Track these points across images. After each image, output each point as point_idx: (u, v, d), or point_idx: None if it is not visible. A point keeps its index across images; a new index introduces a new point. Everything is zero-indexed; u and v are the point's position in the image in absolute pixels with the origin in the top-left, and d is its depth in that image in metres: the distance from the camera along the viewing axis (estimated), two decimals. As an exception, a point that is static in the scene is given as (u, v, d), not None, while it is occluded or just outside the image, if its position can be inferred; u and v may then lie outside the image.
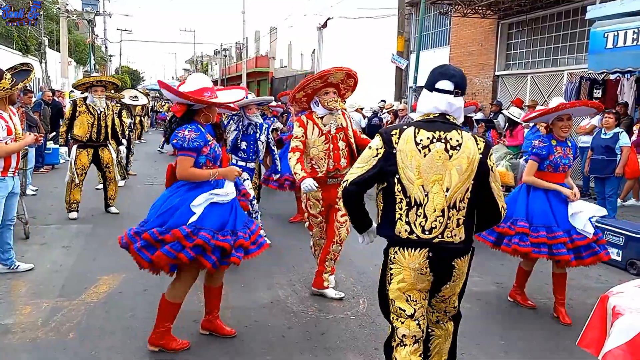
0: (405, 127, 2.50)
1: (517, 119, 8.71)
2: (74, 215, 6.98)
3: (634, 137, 8.50)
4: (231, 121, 5.95)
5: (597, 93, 10.04)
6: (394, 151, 2.44)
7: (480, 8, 12.93)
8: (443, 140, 2.43)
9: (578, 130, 9.77)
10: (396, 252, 2.47)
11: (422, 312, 2.51)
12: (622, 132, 7.34)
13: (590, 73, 10.01)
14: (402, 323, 2.48)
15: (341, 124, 4.42)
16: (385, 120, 12.85)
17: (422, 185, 2.40)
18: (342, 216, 4.40)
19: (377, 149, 2.49)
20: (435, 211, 2.39)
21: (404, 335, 2.47)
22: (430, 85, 2.56)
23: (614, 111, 7.61)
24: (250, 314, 4.07)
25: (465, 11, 13.02)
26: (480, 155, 2.46)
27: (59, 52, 25.72)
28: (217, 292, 3.63)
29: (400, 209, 2.43)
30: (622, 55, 8.54)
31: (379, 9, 20.10)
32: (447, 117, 2.52)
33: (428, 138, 2.44)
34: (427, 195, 2.40)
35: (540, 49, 12.61)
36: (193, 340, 3.58)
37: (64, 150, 7.44)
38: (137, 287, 4.56)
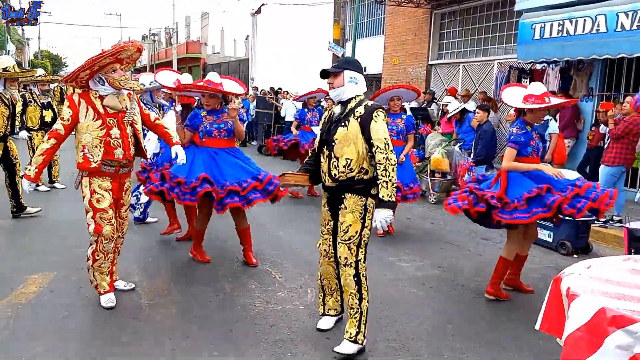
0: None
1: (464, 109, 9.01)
2: None
3: (557, 124, 8.94)
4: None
5: (525, 82, 10.46)
6: None
7: (414, -3, 13.13)
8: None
9: (507, 118, 10.17)
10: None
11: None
12: (551, 119, 7.68)
13: (519, 63, 10.42)
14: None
15: (126, 106, 3.85)
16: (325, 107, 12.83)
17: None
18: (125, 211, 4.07)
19: None
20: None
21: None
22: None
23: (541, 99, 7.95)
24: (195, 309, 3.91)
25: (399, 0, 13.17)
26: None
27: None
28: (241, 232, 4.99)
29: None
30: (548, 46, 8.95)
31: (314, -4, 19.94)
32: None
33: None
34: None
35: (472, 39, 12.97)
36: (135, 337, 3.40)
37: None
38: (71, 285, 4.26)
